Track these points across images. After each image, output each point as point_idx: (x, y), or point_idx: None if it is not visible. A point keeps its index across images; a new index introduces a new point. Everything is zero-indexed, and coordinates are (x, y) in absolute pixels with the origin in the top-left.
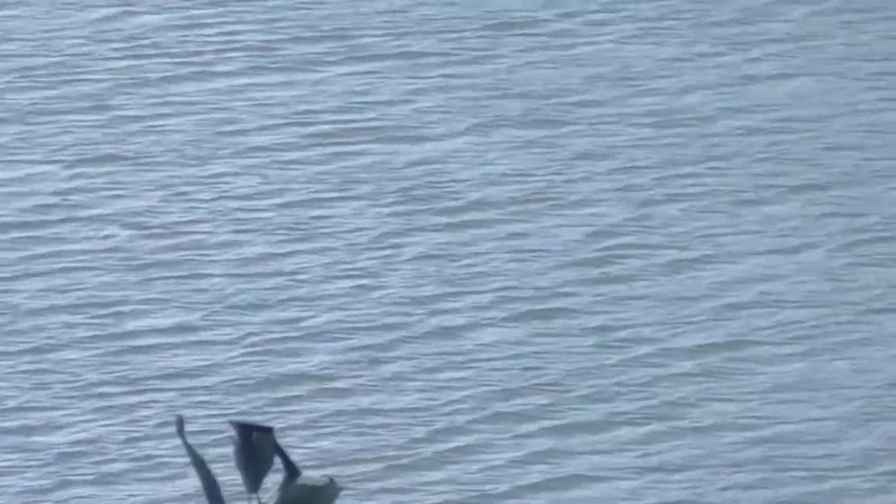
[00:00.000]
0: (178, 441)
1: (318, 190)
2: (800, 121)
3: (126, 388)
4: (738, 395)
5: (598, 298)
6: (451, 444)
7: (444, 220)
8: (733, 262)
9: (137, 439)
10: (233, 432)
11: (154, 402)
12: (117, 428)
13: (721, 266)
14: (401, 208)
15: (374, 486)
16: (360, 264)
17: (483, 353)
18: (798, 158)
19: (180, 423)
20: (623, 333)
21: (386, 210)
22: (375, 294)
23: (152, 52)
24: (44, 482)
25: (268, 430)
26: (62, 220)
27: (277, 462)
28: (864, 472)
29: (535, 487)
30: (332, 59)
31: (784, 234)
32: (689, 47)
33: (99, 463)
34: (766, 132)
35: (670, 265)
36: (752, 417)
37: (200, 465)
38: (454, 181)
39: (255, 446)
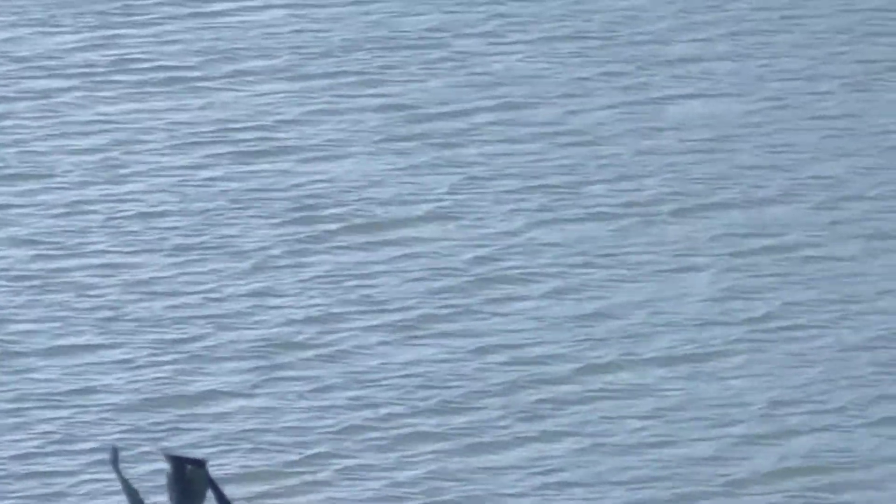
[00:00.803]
0: (71, 462)
1: (213, 209)
2: (699, 141)
3: (10, 407)
4: (623, 415)
5: (488, 319)
6: (335, 466)
7: (337, 239)
8: (621, 284)
9: (22, 457)
10: (165, 464)
11: (41, 422)
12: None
13: (609, 286)
14: (293, 228)
15: None
16: (253, 285)
17: (373, 373)
18: (693, 179)
19: (114, 453)
20: (511, 354)
21: (278, 230)
22: (267, 314)
23: (48, 72)
24: None
25: (200, 464)
26: None
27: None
28: (746, 491)
29: None
30: (228, 80)
31: (673, 254)
32: (589, 67)
33: None
34: (663, 153)
35: (559, 285)
36: (638, 437)
37: (133, 494)
38: (348, 201)
39: (188, 480)
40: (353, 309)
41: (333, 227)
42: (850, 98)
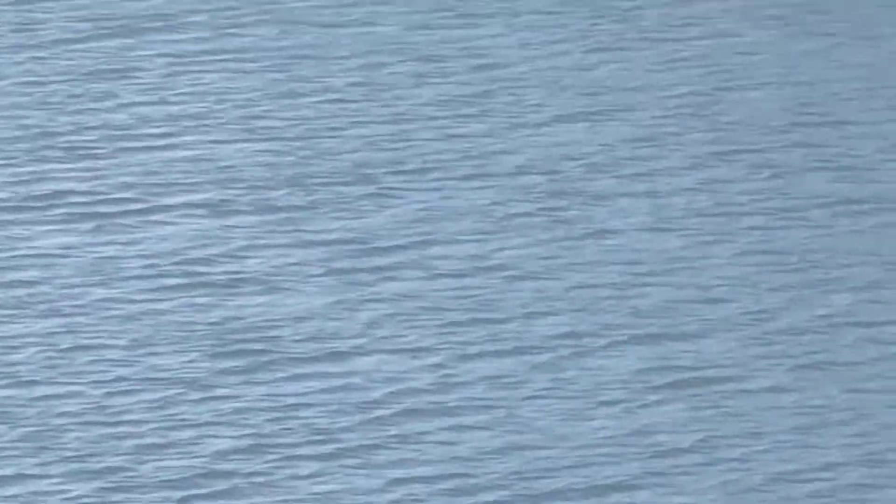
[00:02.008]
0: None
1: (143, 339)
2: (625, 275)
3: None
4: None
5: (416, 449)
6: None
7: (266, 371)
8: (540, 416)
9: None
10: None
11: None
12: None
13: (529, 419)
14: (222, 360)
15: None
16: (184, 415)
17: (306, 502)
18: (616, 313)
19: None
20: (435, 485)
21: (208, 362)
22: (200, 443)
23: None
24: None
25: None
26: None
27: None
28: None
29: None
30: (156, 213)
31: (586, 389)
32: (511, 203)
33: None
34: (588, 286)
35: (482, 419)
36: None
37: None
38: (278, 334)
39: None
40: (285, 440)
41: (263, 359)
42: (776, 232)
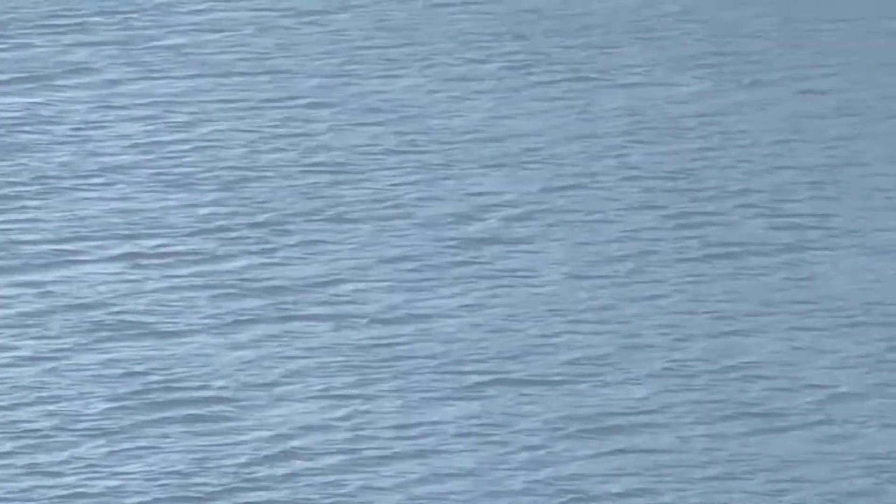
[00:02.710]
0: None
1: (54, 387)
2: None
3: None
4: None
5: (311, 490)
6: None
7: (170, 418)
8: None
9: None
10: None
11: None
12: None
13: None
14: (129, 410)
15: None
16: (110, 457)
17: None
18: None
19: None
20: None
21: (118, 407)
22: (121, 484)
23: None
24: None
25: None
26: None
27: None
28: None
29: None
30: (61, 261)
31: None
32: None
33: None
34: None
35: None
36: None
37: None
38: (183, 380)
39: None
40: (196, 488)
41: (174, 406)
42: (699, 279)
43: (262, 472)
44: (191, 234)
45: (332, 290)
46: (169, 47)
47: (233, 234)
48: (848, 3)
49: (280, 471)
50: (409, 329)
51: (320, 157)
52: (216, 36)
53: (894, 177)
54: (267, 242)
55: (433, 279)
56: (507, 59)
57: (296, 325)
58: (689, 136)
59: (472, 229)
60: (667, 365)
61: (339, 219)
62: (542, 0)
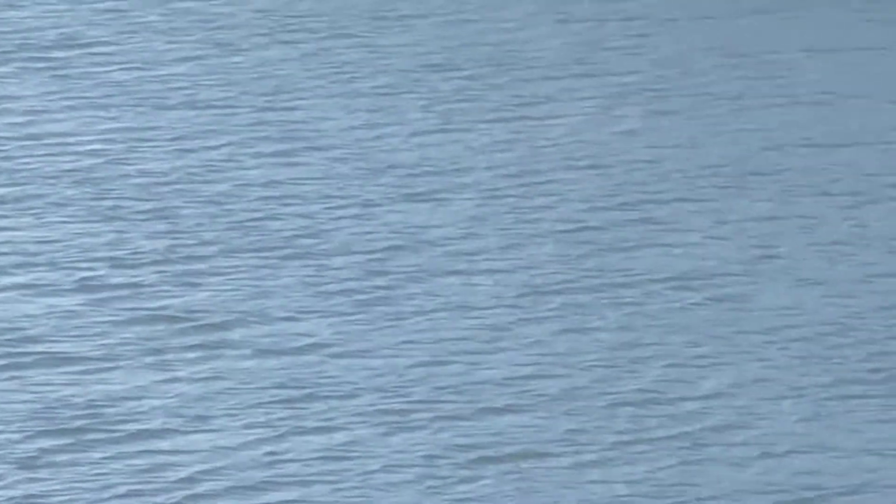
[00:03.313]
0: None
1: None
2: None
3: None
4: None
5: None
6: None
7: (98, 449)
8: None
9: None
10: None
11: None
12: None
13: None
14: (54, 439)
15: None
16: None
17: None
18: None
19: None
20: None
21: (40, 440)
22: None
23: None
24: None
25: None
26: None
27: None
28: None
29: None
30: None
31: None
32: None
33: None
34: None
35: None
36: None
37: None
38: (110, 413)
39: None
40: None
41: (86, 437)
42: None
43: (175, 498)
44: (97, 264)
45: (260, 322)
46: (100, 80)
47: (139, 263)
48: (788, 34)
49: (194, 497)
50: (337, 362)
51: (250, 189)
52: (146, 69)
53: (827, 207)
54: (195, 274)
55: (362, 312)
56: (439, 91)
57: (223, 356)
58: (623, 168)
59: (402, 262)
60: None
61: (268, 250)
62: (477, 33)
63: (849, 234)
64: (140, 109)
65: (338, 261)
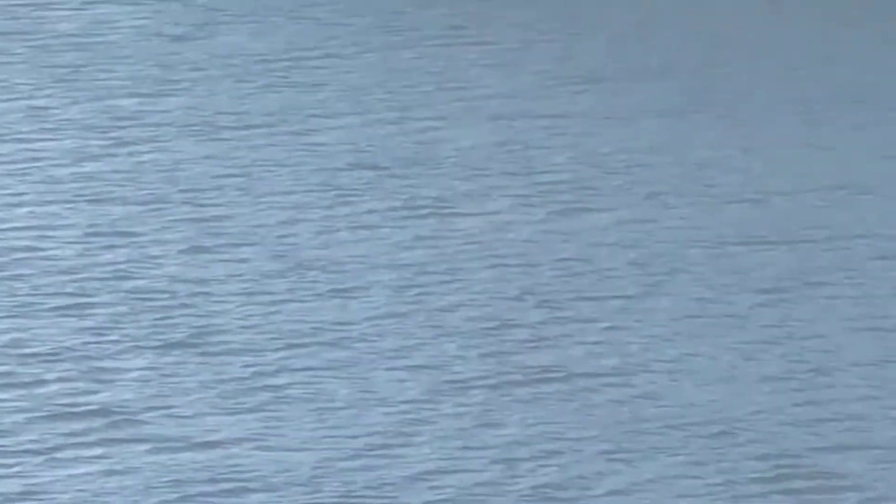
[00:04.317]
0: None
1: None
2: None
3: None
4: None
5: None
6: None
7: None
8: None
9: None
10: None
11: None
12: None
13: None
14: None
15: None
16: None
17: None
18: None
19: None
20: None
21: None
22: None
23: None
24: None
25: None
26: None
27: None
28: None
29: None
30: None
31: None
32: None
33: None
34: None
35: None
36: None
37: None
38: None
39: None
40: None
41: None
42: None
43: None
44: (22, 362)
45: (168, 417)
46: (10, 172)
47: (50, 359)
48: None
49: None
50: (247, 456)
51: (133, 282)
52: (59, 164)
53: (749, 305)
54: (102, 370)
55: (271, 407)
56: (355, 188)
57: (129, 451)
58: (545, 265)
59: (314, 358)
60: (512, 488)
61: (176, 346)
62: (377, 132)
63: (770, 332)
64: (51, 204)
65: (246, 357)
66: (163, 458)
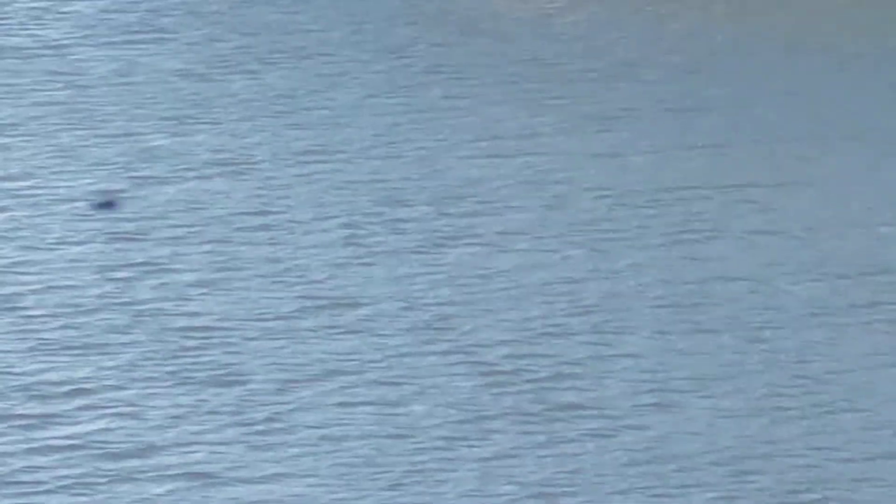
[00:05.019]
0: None
1: None
2: None
3: None
4: None
5: None
6: None
7: None
8: None
9: None
10: None
11: None
12: None
13: None
14: None
15: None
16: None
17: None
18: None
19: None
20: None
21: None
22: None
23: None
24: None
25: None
26: None
27: None
28: None
29: None
30: None
31: None
32: None
33: None
34: None
35: None
36: None
37: None
38: None
39: None
40: None
41: None
42: None
43: None
44: (33, 397)
45: (178, 447)
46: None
47: (74, 395)
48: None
49: None
50: (224, 489)
51: (157, 318)
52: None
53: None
54: (111, 403)
55: (259, 442)
56: (356, 226)
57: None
58: (538, 300)
59: (301, 393)
60: None
61: (174, 381)
62: (397, 169)
63: (800, 367)
64: (76, 245)
65: (266, 396)
66: (190, 495)
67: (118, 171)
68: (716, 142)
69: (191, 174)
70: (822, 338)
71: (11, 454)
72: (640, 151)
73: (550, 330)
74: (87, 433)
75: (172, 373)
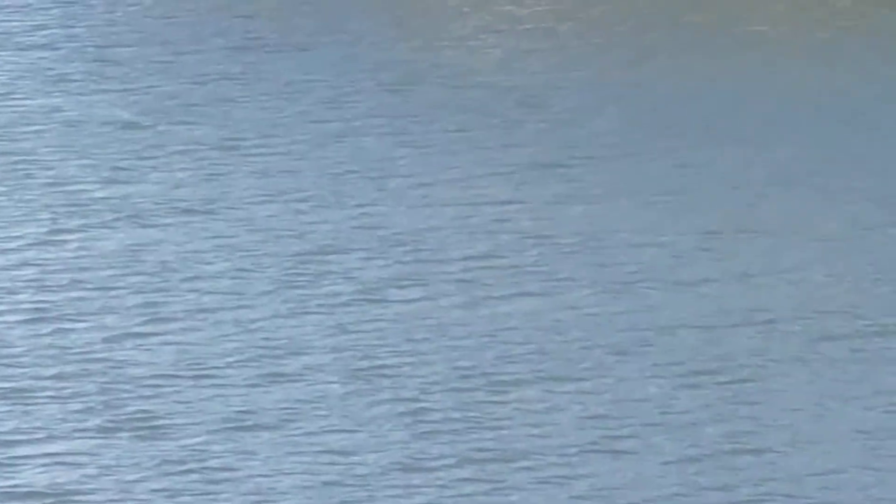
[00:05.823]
0: None
1: None
2: None
3: None
4: None
5: None
6: None
7: None
8: None
9: None
10: None
11: None
12: None
13: None
14: None
15: None
16: None
17: None
18: None
19: None
20: None
21: None
22: None
23: None
24: None
25: None
26: None
27: None
28: None
29: None
30: None
31: None
32: None
33: None
34: None
35: None
36: None
37: None
38: None
39: None
40: None
41: None
42: None
43: None
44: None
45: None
46: None
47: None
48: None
49: None
50: None
51: (78, 365)
52: None
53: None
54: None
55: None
56: (283, 275)
57: None
58: (473, 343)
59: (221, 438)
60: None
61: (96, 426)
62: (341, 215)
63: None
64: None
65: (186, 440)
66: None
67: (49, 219)
68: (670, 189)
69: (120, 224)
70: (767, 382)
71: None
72: (583, 199)
73: (495, 376)
74: (13, 485)
75: (93, 419)
